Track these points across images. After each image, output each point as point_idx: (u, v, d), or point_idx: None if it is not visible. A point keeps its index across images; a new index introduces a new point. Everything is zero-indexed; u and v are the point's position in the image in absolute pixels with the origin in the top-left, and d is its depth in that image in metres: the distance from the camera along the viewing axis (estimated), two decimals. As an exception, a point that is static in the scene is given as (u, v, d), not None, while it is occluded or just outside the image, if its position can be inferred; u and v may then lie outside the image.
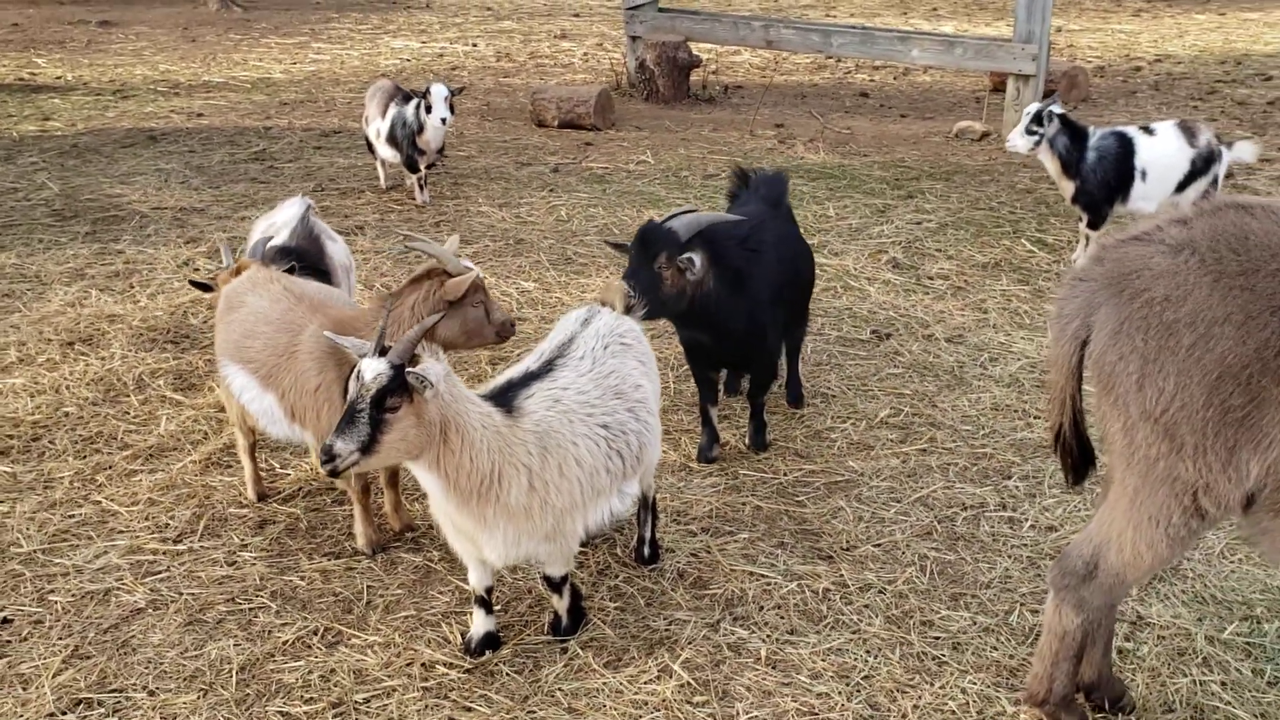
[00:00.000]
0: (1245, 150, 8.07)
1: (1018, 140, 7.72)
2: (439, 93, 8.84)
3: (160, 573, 4.64)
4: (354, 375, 3.51)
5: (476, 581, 4.08)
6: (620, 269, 7.82)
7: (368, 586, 4.53)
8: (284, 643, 4.21)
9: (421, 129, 8.96)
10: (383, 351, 3.53)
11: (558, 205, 9.26)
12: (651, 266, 4.83)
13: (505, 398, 3.86)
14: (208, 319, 7.04)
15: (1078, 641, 3.53)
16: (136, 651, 4.17)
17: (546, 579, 4.11)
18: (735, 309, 5.08)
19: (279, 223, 5.77)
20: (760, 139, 11.43)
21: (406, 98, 9.13)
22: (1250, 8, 20.10)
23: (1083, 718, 3.68)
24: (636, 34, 13.34)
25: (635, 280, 4.74)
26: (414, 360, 3.56)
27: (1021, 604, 4.39)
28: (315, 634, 4.25)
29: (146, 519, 5.00)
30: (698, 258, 4.91)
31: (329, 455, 3.44)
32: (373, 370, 3.45)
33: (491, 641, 4.15)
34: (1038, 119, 7.59)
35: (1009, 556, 4.69)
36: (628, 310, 4.48)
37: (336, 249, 5.74)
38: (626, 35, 13.61)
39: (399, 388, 3.44)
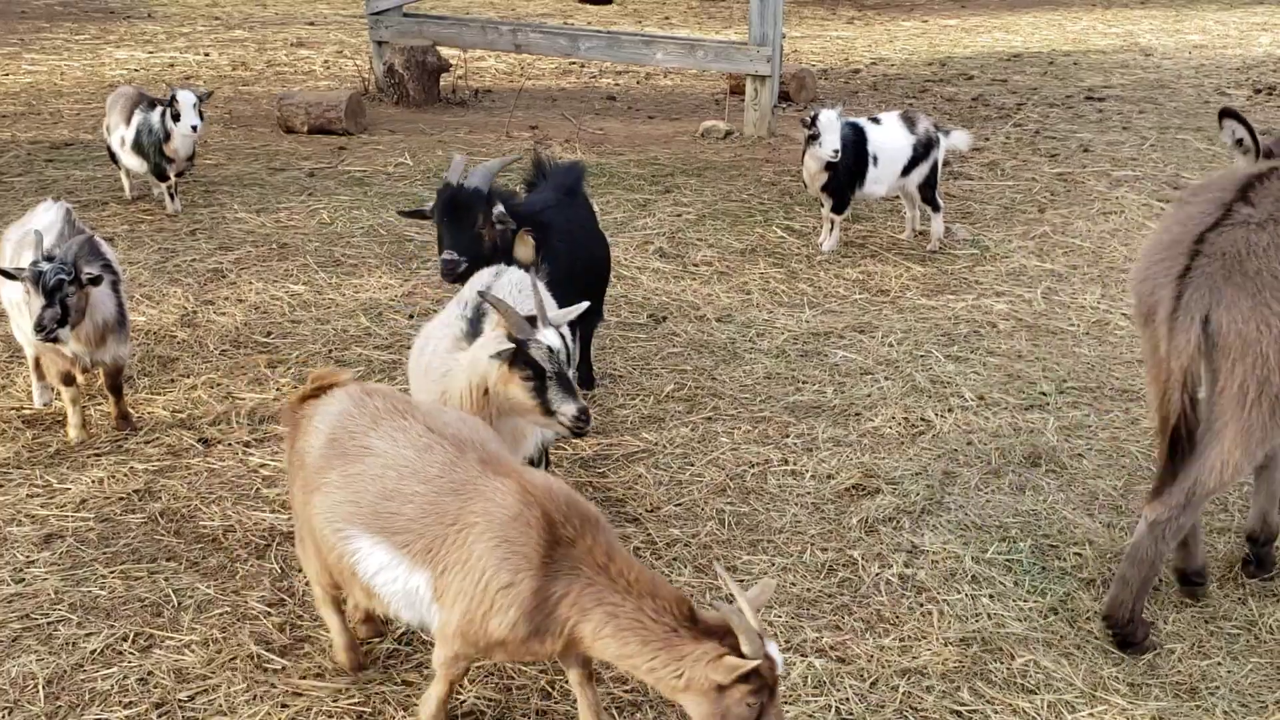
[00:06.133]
0: (960, 139, 8.94)
1: (830, 151, 7.88)
2: (187, 99, 8.53)
3: (-63, 597, 4.36)
4: (547, 351, 3.93)
5: None
6: (394, 256, 7.88)
7: (175, 590, 4.41)
8: (91, 652, 4.05)
9: (169, 137, 8.62)
10: (531, 321, 4.00)
11: (319, 209, 9.13)
12: (473, 230, 4.88)
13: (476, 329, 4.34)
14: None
15: (1159, 568, 4.15)
16: (-76, 679, 3.92)
17: None
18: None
19: (37, 229, 5.46)
20: (517, 140, 11.61)
21: (152, 104, 8.76)
22: (948, 14, 21.99)
23: (1150, 628, 4.24)
24: (382, 39, 13.24)
25: (460, 248, 4.77)
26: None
27: (811, 544, 4.78)
28: (125, 640, 4.12)
29: (-88, 545, 4.67)
30: (501, 207, 5.03)
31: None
32: (558, 340, 4.04)
33: None
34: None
35: (796, 504, 5.09)
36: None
37: (110, 252, 5.51)
38: (372, 40, 13.47)
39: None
